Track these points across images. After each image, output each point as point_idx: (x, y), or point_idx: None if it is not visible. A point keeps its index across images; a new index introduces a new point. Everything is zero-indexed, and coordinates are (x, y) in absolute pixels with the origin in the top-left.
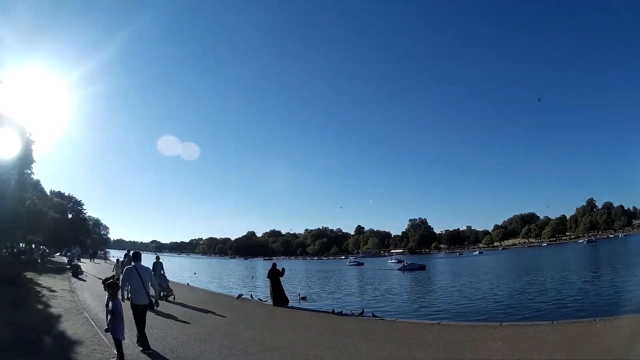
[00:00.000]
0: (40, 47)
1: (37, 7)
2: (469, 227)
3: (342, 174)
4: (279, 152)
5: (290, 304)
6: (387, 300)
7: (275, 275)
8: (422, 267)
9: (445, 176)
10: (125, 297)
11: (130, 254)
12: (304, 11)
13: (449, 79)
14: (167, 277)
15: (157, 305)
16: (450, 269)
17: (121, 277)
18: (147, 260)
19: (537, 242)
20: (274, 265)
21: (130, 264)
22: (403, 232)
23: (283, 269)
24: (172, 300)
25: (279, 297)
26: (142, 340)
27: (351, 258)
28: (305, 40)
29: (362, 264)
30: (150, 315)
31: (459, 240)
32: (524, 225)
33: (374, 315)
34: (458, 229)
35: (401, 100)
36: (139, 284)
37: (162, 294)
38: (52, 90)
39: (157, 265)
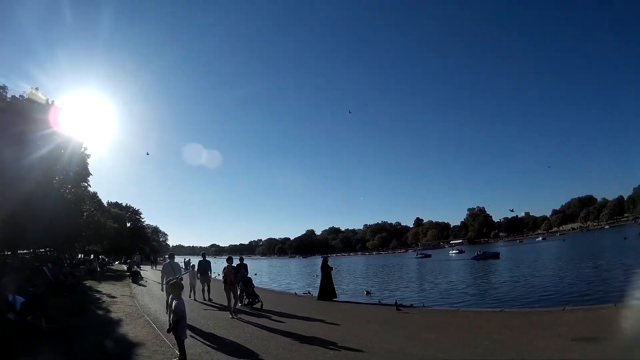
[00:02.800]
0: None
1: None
2: (527, 214)
3: (397, 167)
4: (334, 149)
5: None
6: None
7: (326, 269)
8: (496, 256)
9: (500, 162)
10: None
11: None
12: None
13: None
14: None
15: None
16: (522, 256)
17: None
18: (214, 264)
19: (596, 225)
20: (325, 259)
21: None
22: (462, 222)
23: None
24: (258, 307)
25: (326, 290)
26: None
27: (417, 251)
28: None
29: (429, 255)
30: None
31: (518, 227)
32: (582, 209)
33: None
34: (517, 215)
35: (446, 88)
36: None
37: (245, 300)
38: (103, 110)
39: (241, 267)
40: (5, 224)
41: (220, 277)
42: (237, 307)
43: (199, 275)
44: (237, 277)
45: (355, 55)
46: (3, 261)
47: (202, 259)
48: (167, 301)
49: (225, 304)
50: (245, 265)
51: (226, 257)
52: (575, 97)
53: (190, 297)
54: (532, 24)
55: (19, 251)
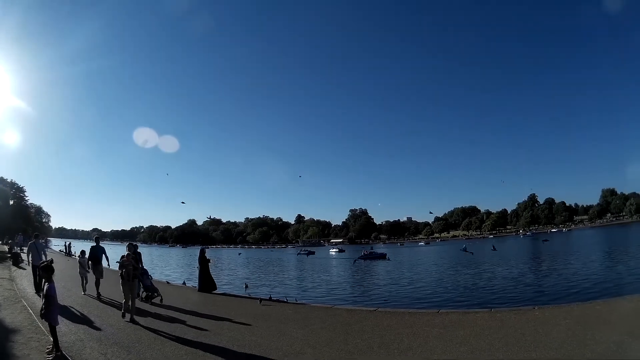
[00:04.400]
0: None
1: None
2: (409, 219)
3: (284, 161)
4: (222, 138)
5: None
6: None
7: (204, 261)
8: (383, 256)
9: (386, 167)
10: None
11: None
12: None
13: (392, 65)
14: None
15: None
16: (408, 258)
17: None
18: (88, 249)
19: (479, 235)
20: (202, 251)
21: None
22: (343, 222)
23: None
24: (158, 302)
25: (206, 282)
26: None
27: (300, 247)
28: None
29: (313, 252)
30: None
31: (399, 231)
32: (465, 218)
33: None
34: (399, 220)
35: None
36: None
37: (143, 294)
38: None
39: (136, 255)
40: None
41: (116, 268)
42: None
43: (90, 264)
44: (137, 270)
45: None
46: None
47: (94, 244)
48: (34, 282)
49: (121, 300)
50: (139, 254)
51: (107, 242)
52: (469, 110)
53: (83, 291)
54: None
55: None
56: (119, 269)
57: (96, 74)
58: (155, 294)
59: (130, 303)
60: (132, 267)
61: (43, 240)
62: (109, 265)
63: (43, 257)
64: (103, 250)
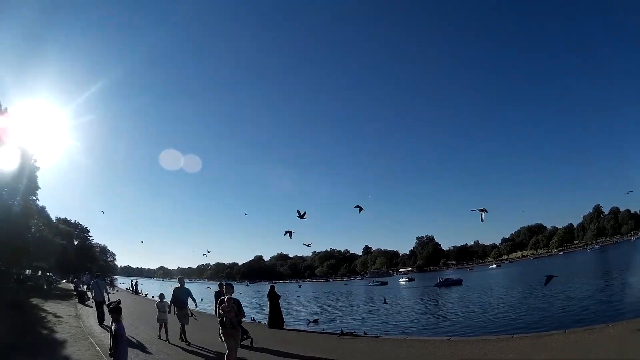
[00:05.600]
0: (41, 80)
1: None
2: (476, 242)
3: (348, 195)
4: (283, 174)
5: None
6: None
7: (273, 297)
8: (459, 282)
9: (450, 192)
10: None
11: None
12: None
13: (443, 83)
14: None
15: None
16: (480, 283)
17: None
18: (154, 287)
19: (546, 253)
20: (272, 287)
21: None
22: (411, 251)
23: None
24: (248, 344)
25: (276, 318)
26: None
27: (372, 278)
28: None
29: (385, 283)
30: None
31: (467, 255)
32: (532, 237)
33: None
34: (466, 244)
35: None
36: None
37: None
38: (55, 120)
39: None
40: None
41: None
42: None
43: (174, 308)
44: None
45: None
46: None
47: (178, 285)
48: (97, 316)
49: (214, 349)
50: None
51: (173, 280)
52: (520, 128)
53: (160, 337)
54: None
55: None
56: (218, 315)
57: (142, 108)
58: (245, 336)
59: (233, 354)
60: (234, 313)
61: (109, 279)
62: (196, 306)
63: (105, 294)
64: (189, 293)
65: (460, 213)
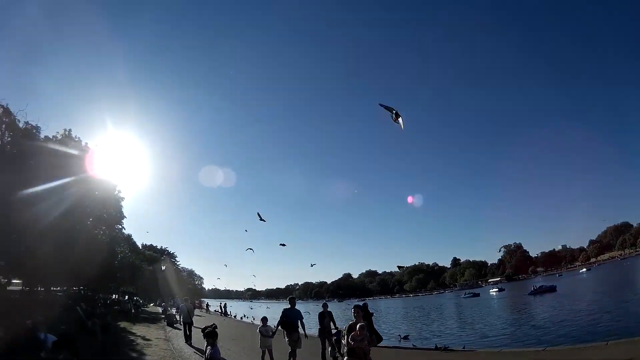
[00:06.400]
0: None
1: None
2: (564, 247)
3: (435, 207)
4: (368, 193)
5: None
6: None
7: (367, 315)
8: (554, 289)
9: (533, 197)
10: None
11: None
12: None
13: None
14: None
15: None
16: (572, 288)
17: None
18: (243, 308)
19: (635, 253)
20: (365, 305)
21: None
22: (499, 260)
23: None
24: None
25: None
26: None
27: (464, 290)
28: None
29: (478, 294)
30: None
31: (555, 261)
32: (619, 237)
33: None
34: (553, 249)
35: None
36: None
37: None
38: (135, 152)
39: (325, 317)
40: (39, 262)
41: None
42: None
43: (284, 333)
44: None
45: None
46: (35, 298)
47: (288, 306)
48: (184, 334)
49: None
50: (330, 314)
51: (262, 301)
52: (597, 125)
53: None
54: None
55: (52, 288)
56: (347, 345)
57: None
58: None
59: None
60: (367, 341)
61: (198, 302)
62: (305, 335)
63: (191, 317)
64: (300, 316)
65: (547, 217)
